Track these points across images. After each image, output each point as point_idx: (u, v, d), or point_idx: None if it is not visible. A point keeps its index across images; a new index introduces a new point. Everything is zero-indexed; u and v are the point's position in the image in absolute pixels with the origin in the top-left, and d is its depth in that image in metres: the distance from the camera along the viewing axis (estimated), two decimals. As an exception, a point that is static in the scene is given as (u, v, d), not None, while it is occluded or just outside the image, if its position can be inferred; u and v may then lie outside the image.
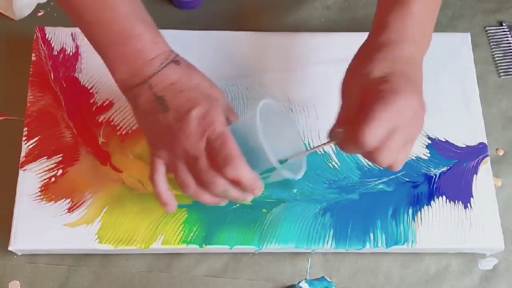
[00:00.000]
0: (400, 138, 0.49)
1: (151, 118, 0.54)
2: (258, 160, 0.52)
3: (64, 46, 0.73)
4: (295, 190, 0.67)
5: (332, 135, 0.54)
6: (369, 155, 0.49)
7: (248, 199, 0.54)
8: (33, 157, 0.67)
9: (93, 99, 0.70)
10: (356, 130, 0.47)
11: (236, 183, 0.51)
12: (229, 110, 0.57)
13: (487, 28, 0.81)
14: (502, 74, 0.79)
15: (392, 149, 0.49)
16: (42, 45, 0.72)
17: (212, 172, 0.51)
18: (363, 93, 0.51)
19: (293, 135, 0.60)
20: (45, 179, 0.66)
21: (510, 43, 0.80)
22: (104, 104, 0.70)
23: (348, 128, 0.50)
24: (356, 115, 0.50)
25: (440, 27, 0.81)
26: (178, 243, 0.64)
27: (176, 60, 0.55)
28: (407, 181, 0.68)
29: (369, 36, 0.56)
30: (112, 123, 0.69)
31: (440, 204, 0.67)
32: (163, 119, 0.53)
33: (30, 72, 0.71)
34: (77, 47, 0.73)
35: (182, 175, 0.53)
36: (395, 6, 0.55)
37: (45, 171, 0.66)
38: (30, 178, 0.66)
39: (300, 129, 0.70)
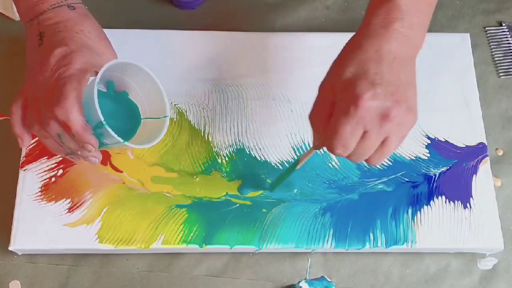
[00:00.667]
0: (370, 139, 0.50)
1: (29, 52, 0.55)
2: (91, 114, 0.51)
3: (64, 46, 0.73)
4: (295, 190, 0.67)
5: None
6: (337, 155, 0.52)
7: (88, 156, 0.54)
8: (33, 157, 0.67)
9: (93, 99, 0.70)
10: (327, 144, 0.51)
11: (65, 127, 0.51)
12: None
13: (487, 28, 0.81)
14: (502, 74, 0.79)
15: (364, 151, 0.51)
16: (42, 45, 0.72)
17: (50, 112, 0.51)
18: (331, 96, 0.51)
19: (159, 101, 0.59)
20: (45, 179, 0.66)
21: (510, 43, 0.80)
22: (104, 104, 0.70)
23: (318, 135, 0.54)
24: (324, 121, 0.52)
25: (440, 27, 0.81)
26: (178, 243, 0.64)
27: (72, 6, 0.56)
28: (407, 181, 0.69)
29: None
30: (112, 123, 0.69)
31: (439, 204, 0.67)
32: (35, 53, 0.54)
33: (30, 72, 0.71)
34: (77, 47, 0.73)
35: (29, 111, 0.53)
36: (382, 1, 0.54)
37: (45, 171, 0.66)
38: (30, 178, 0.66)
39: (300, 129, 0.70)
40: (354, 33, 0.76)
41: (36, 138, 0.67)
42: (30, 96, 0.54)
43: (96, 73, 0.53)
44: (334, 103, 0.51)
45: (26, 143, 0.56)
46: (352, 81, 0.50)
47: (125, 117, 0.57)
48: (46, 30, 0.54)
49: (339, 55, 0.55)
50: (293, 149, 0.69)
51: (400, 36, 0.52)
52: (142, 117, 0.59)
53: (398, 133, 0.51)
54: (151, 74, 0.57)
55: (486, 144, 0.71)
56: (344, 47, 0.55)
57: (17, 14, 0.76)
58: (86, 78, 0.52)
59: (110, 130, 0.52)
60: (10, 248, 0.63)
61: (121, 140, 0.53)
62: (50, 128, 0.51)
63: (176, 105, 0.71)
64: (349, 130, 0.49)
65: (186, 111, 0.70)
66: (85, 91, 0.51)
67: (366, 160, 0.53)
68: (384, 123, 0.49)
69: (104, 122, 0.51)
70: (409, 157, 0.70)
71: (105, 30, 0.73)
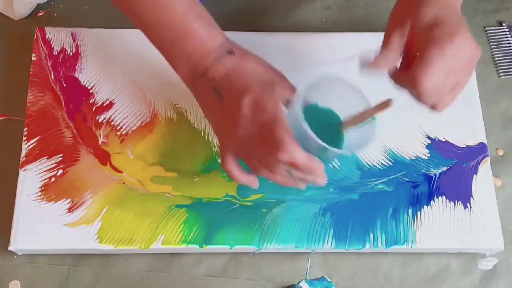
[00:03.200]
0: (451, 80, 0.51)
1: (211, 109, 0.56)
2: (307, 141, 0.52)
3: (64, 46, 0.73)
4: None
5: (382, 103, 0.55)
6: (418, 94, 0.51)
7: (317, 179, 0.54)
8: (33, 157, 0.67)
9: (93, 99, 0.70)
10: (414, 78, 0.50)
11: (293, 165, 0.52)
12: (289, 90, 0.56)
13: (487, 28, 0.81)
14: (502, 74, 0.79)
15: (442, 91, 0.51)
16: (42, 45, 0.72)
17: (273, 158, 0.52)
18: (412, 36, 0.52)
19: (361, 103, 0.57)
20: (45, 179, 0.66)
21: (510, 43, 0.80)
22: (104, 104, 0.70)
23: (402, 74, 0.52)
24: (408, 59, 0.52)
25: (440, 27, 0.81)
26: (178, 243, 0.64)
27: (231, 50, 0.57)
28: (407, 181, 0.68)
29: None
30: (112, 123, 0.69)
31: (440, 204, 0.67)
32: (220, 109, 0.55)
33: (30, 72, 0.71)
34: (77, 47, 0.73)
35: (249, 160, 0.55)
36: None
37: (45, 171, 0.66)
38: (30, 178, 0.66)
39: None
40: (353, 33, 0.76)
41: (36, 138, 0.67)
42: (240, 149, 0.55)
43: (287, 100, 0.54)
44: (415, 37, 0.52)
45: (257, 183, 0.58)
46: (473, 55, 0.51)
47: (325, 127, 0.56)
48: (219, 84, 0.55)
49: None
50: (293, 149, 0.69)
51: None
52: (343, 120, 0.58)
53: (468, 78, 0.53)
54: (345, 81, 0.57)
55: (486, 144, 0.71)
56: None
57: (17, 14, 0.76)
58: (284, 112, 0.53)
59: (335, 149, 0.52)
60: (10, 248, 0.63)
61: (348, 153, 0.54)
62: (277, 169, 0.53)
63: (176, 105, 0.71)
64: (442, 64, 0.49)
65: (186, 111, 0.70)
66: (288, 121, 0.52)
67: (433, 106, 0.53)
68: (469, 65, 0.52)
69: (328, 146, 0.52)
70: (409, 157, 0.70)
71: (105, 31, 0.74)
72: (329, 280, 0.65)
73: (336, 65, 0.74)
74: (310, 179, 0.55)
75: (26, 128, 0.68)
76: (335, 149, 0.53)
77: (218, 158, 0.68)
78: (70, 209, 0.64)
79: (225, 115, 0.55)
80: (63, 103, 0.70)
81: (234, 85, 0.54)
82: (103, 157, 0.67)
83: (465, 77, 0.53)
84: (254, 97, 0.53)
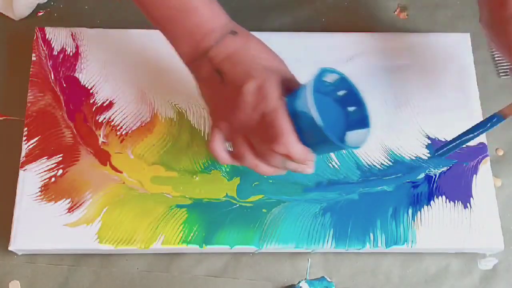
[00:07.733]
0: None
1: (211, 89, 0.56)
2: (311, 130, 0.50)
3: (64, 46, 0.73)
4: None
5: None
6: None
7: (306, 170, 0.55)
8: (33, 157, 0.67)
9: (93, 99, 0.70)
10: None
11: (287, 157, 0.51)
12: (289, 79, 0.56)
13: (487, 28, 0.81)
14: (502, 74, 0.78)
15: None
16: (42, 45, 0.72)
17: (269, 148, 0.52)
18: None
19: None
20: (45, 179, 0.66)
21: (510, 43, 0.80)
22: (104, 104, 0.70)
23: None
24: None
25: (440, 27, 0.81)
26: (178, 243, 0.64)
27: (233, 31, 0.56)
28: (407, 181, 0.68)
29: None
30: (112, 123, 0.69)
31: (440, 204, 0.67)
32: (220, 91, 0.54)
33: (30, 72, 0.71)
34: (77, 47, 0.73)
35: (239, 146, 0.54)
36: None
37: (45, 171, 0.66)
38: (30, 178, 0.66)
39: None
40: (353, 33, 0.76)
41: (36, 138, 0.67)
42: (233, 133, 0.54)
43: (287, 88, 0.53)
44: None
45: (228, 162, 0.57)
46: None
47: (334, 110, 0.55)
48: (222, 65, 0.54)
49: None
50: (293, 149, 0.69)
51: None
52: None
53: None
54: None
55: (487, 144, 0.71)
56: None
57: (17, 14, 0.76)
58: (285, 101, 0.52)
59: (336, 141, 0.50)
60: (10, 248, 0.63)
61: (346, 146, 0.52)
62: (272, 159, 0.53)
63: (176, 105, 0.71)
64: None
65: (186, 111, 0.70)
66: (295, 107, 0.51)
67: None
68: None
69: (339, 143, 0.50)
70: (409, 157, 0.70)
71: (105, 31, 0.74)
72: (329, 280, 0.65)
73: (336, 65, 0.74)
74: (299, 170, 0.54)
75: (26, 128, 0.68)
76: (349, 147, 0.52)
77: (218, 158, 0.68)
78: (70, 209, 0.64)
79: (225, 97, 0.54)
80: (63, 103, 0.70)
81: (238, 68, 0.54)
82: (103, 157, 0.67)
83: None
84: (258, 84, 0.52)
